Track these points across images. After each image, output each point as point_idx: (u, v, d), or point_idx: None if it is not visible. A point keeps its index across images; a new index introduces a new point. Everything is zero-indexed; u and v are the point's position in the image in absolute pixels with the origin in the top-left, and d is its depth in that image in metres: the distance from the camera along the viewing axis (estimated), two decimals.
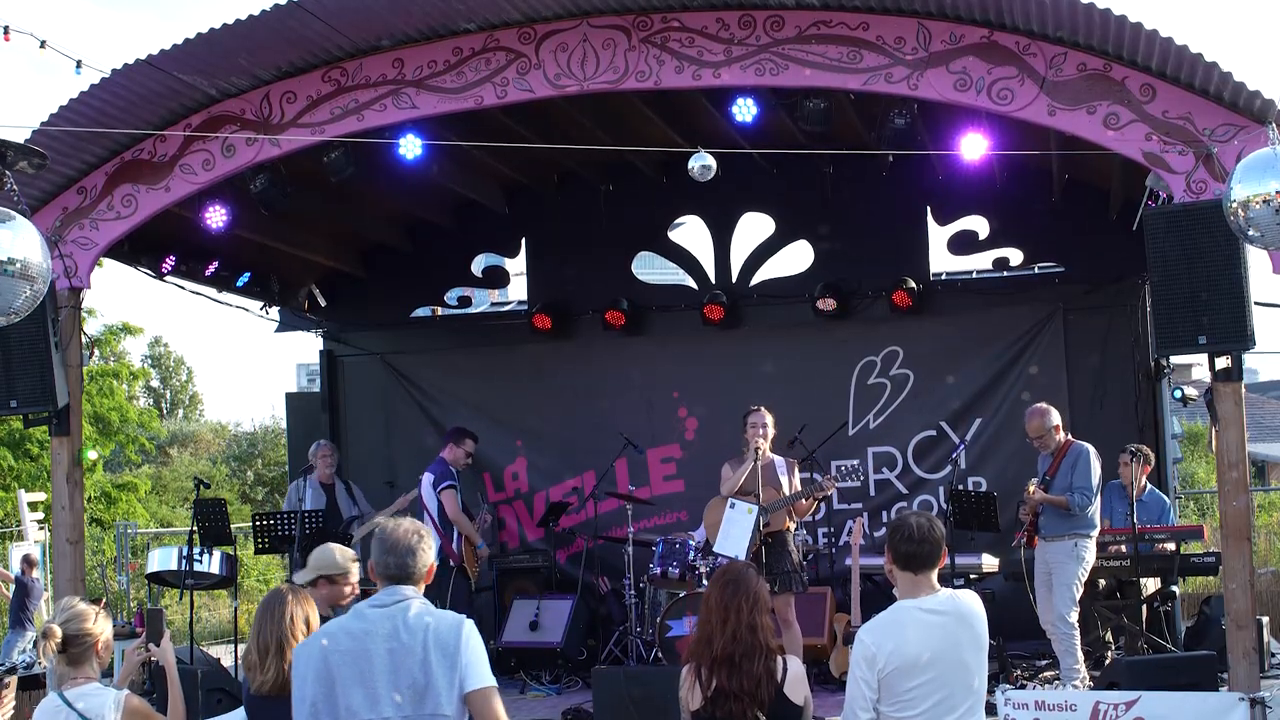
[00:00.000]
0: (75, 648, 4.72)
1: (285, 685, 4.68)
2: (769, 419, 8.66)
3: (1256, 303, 7.44)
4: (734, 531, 8.42)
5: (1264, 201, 5.94)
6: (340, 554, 5.45)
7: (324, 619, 4.82)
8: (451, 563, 9.91)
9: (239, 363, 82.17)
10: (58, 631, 4.69)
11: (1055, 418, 8.56)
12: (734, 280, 11.65)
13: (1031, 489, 8.42)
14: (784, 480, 8.64)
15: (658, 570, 9.45)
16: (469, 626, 4.07)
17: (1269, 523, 17.95)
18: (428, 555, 4.16)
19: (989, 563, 9.59)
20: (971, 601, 4.39)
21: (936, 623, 4.26)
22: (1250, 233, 6.08)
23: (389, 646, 4.00)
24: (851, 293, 11.18)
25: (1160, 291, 7.58)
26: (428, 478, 10.01)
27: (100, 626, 4.79)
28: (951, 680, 4.22)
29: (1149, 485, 9.58)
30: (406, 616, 4.04)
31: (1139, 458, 9.20)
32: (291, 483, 11.19)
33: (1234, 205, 6.03)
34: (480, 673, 4.02)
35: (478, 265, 12.66)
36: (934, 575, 4.36)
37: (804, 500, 8.69)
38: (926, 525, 4.34)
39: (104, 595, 15.14)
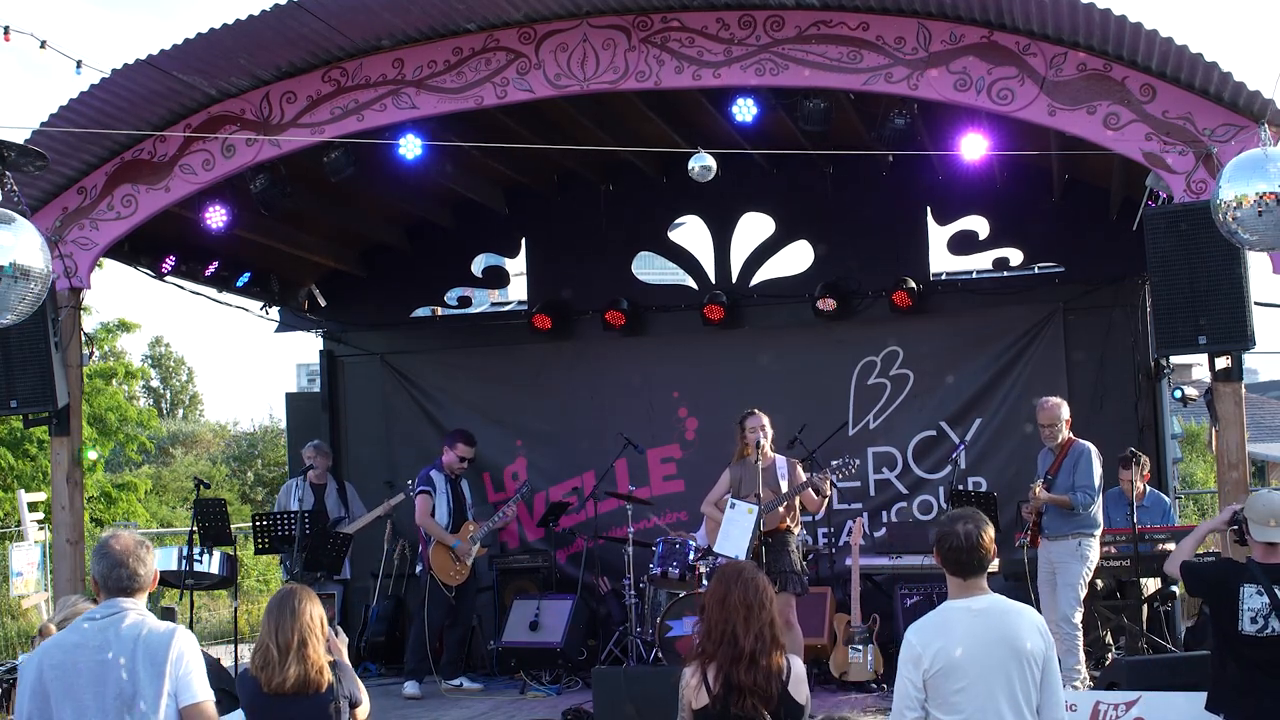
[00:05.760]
0: None
1: (307, 683, 4.67)
2: (765, 420, 8.67)
3: (1256, 303, 7.45)
4: (734, 531, 8.42)
5: (1251, 203, 5.92)
6: None
7: None
8: (425, 568, 9.95)
9: (239, 363, 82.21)
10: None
11: (1067, 411, 8.59)
12: (734, 280, 11.64)
13: (1037, 490, 8.41)
14: (784, 482, 8.63)
15: (658, 570, 9.44)
16: (182, 638, 4.12)
17: None
18: (149, 567, 4.22)
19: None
20: (1023, 609, 4.37)
21: (983, 625, 4.25)
22: (1239, 234, 6.05)
23: (98, 659, 4.06)
24: (851, 293, 11.17)
25: (1160, 291, 7.58)
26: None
27: None
28: (997, 685, 4.19)
29: (1149, 488, 9.57)
30: (119, 628, 4.10)
31: (1137, 461, 9.21)
32: (288, 481, 11.23)
33: (1222, 206, 6.01)
34: (193, 687, 4.09)
35: (478, 265, 12.65)
36: (983, 578, 4.35)
37: (814, 494, 8.66)
38: (975, 533, 4.30)
39: None
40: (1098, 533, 8.40)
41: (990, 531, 4.36)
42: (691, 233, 12.66)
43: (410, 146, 8.92)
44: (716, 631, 4.42)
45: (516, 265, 12.59)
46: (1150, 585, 9.14)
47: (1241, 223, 5.96)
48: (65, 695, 4.05)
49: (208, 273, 10.76)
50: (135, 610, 4.16)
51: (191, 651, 4.12)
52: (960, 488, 9.67)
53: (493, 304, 14.73)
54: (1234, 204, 5.92)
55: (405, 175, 9.79)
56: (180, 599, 10.92)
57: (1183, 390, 10.21)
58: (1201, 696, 5.81)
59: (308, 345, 42.93)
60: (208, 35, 7.97)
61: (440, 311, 12.87)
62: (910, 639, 4.29)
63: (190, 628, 9.80)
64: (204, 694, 4.11)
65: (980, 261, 11.49)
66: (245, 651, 9.51)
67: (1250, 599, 5.32)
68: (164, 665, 4.05)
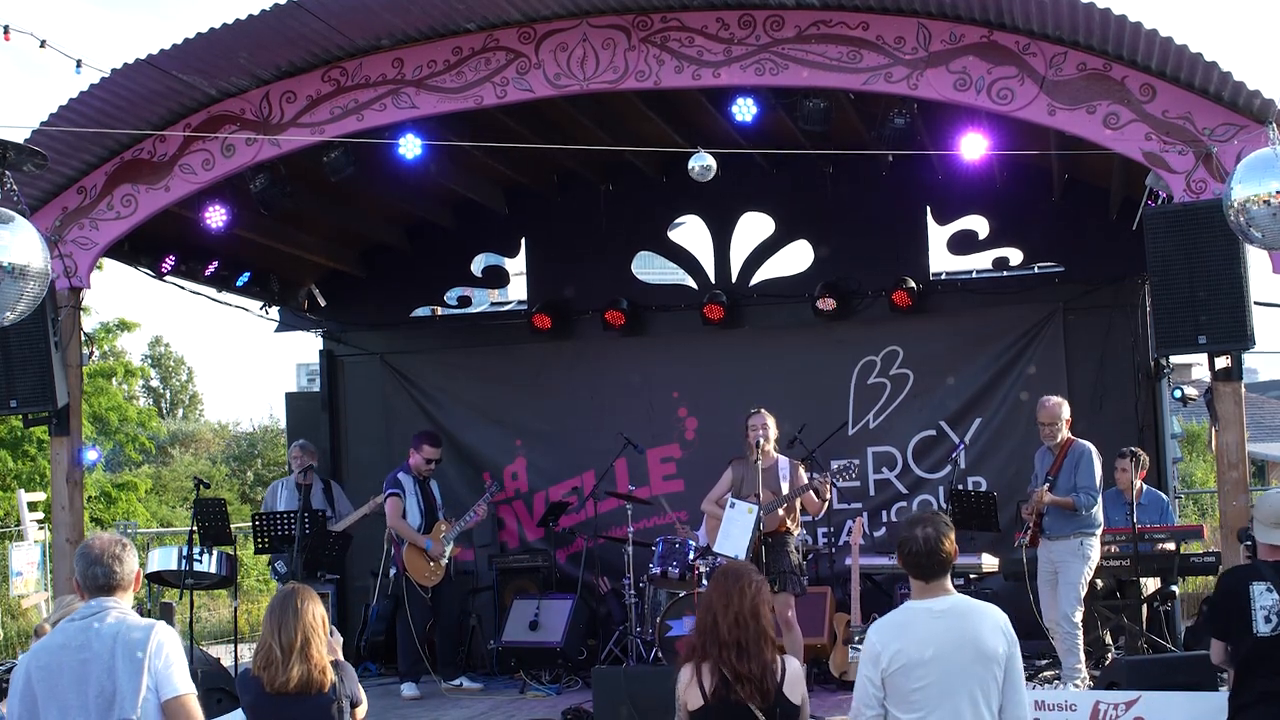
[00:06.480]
0: None
1: (310, 683, 4.66)
2: (769, 420, 8.65)
3: (1256, 302, 7.45)
4: (734, 531, 8.41)
5: (1264, 202, 5.96)
6: None
7: None
8: (400, 570, 9.92)
9: (239, 363, 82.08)
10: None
11: (1067, 410, 8.61)
12: (734, 280, 11.64)
13: (1042, 494, 8.39)
14: (785, 484, 8.61)
15: (658, 570, 9.44)
16: (160, 632, 4.12)
17: None
18: (127, 565, 4.23)
19: (989, 562, 9.59)
20: (986, 609, 4.35)
21: (943, 626, 4.24)
22: (1252, 233, 6.09)
23: (81, 658, 4.09)
24: (851, 293, 11.17)
25: (1160, 291, 7.59)
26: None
27: None
28: (956, 686, 4.20)
29: (1145, 486, 9.56)
30: (100, 627, 4.12)
31: (1136, 460, 9.20)
32: (275, 482, 11.24)
33: (1234, 206, 6.05)
34: (174, 681, 4.10)
35: (478, 265, 12.65)
36: (947, 580, 4.34)
37: (815, 497, 8.64)
38: (935, 537, 4.28)
39: None
40: (1099, 532, 8.40)
41: (951, 535, 4.32)
42: (691, 232, 12.67)
43: (410, 146, 8.92)
44: (710, 630, 4.42)
45: (516, 265, 12.60)
46: (1150, 585, 9.14)
47: (1254, 221, 6.00)
48: (50, 696, 4.07)
49: (207, 272, 10.76)
50: (117, 609, 4.18)
51: (171, 645, 4.12)
52: (960, 487, 9.67)
53: (493, 304, 14.74)
54: (1246, 204, 5.95)
55: (405, 175, 9.79)
56: (180, 598, 10.92)
57: (1183, 390, 10.21)
58: (1201, 696, 5.81)
59: (308, 345, 42.90)
60: (208, 35, 7.98)
61: (440, 311, 12.88)
62: (871, 638, 4.30)
63: (190, 628, 9.91)
64: (184, 687, 4.11)
65: (980, 261, 11.49)
66: (245, 651, 9.51)
67: (1261, 597, 5.30)
68: (142, 660, 4.06)
